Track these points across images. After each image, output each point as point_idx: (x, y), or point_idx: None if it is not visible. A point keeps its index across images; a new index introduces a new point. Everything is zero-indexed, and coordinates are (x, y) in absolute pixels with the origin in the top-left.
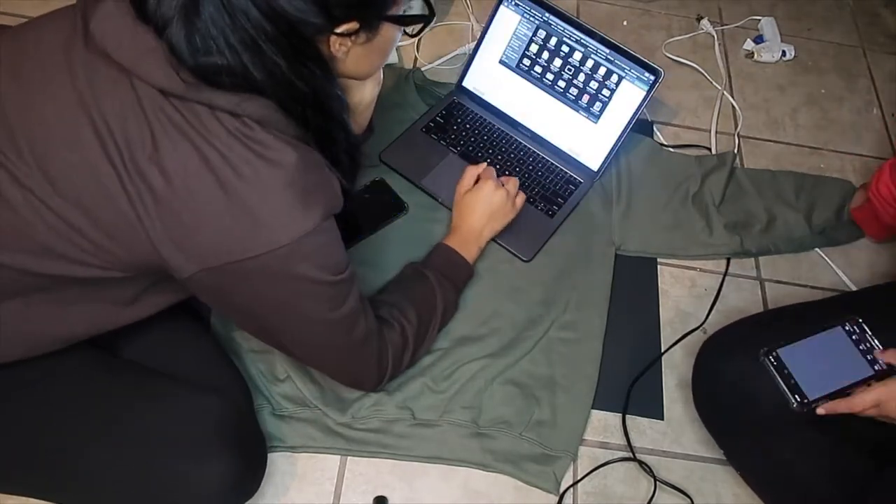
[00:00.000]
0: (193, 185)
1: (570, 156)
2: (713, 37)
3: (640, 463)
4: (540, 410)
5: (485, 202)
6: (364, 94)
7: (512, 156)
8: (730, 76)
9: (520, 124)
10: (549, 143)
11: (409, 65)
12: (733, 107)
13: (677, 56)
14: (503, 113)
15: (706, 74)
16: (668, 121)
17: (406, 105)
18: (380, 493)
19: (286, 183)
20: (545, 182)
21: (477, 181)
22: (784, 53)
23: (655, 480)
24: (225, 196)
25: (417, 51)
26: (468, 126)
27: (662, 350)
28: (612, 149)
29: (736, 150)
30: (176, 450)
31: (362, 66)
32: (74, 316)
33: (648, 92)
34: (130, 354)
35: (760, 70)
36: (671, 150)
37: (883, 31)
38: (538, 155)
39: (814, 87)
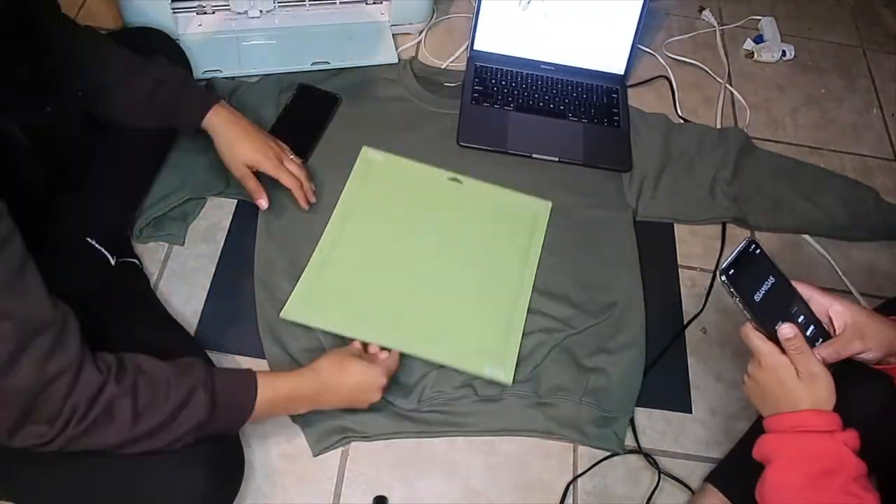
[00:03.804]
0: None
1: (596, 71)
2: (714, 27)
3: (646, 456)
4: (595, 377)
5: (362, 382)
6: None
7: (554, 91)
8: (730, 76)
9: (542, 62)
10: (574, 67)
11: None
12: (733, 105)
13: (678, 55)
14: (522, 59)
15: (709, 71)
16: None
17: (409, 96)
18: (380, 493)
19: None
20: (592, 101)
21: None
22: (784, 53)
23: (660, 473)
24: None
25: (417, 51)
26: (504, 83)
27: (663, 347)
28: (631, 49)
29: None
30: (146, 466)
31: None
32: None
33: None
34: None
35: (760, 70)
36: (679, 122)
37: (883, 31)
38: (573, 81)
39: (814, 87)
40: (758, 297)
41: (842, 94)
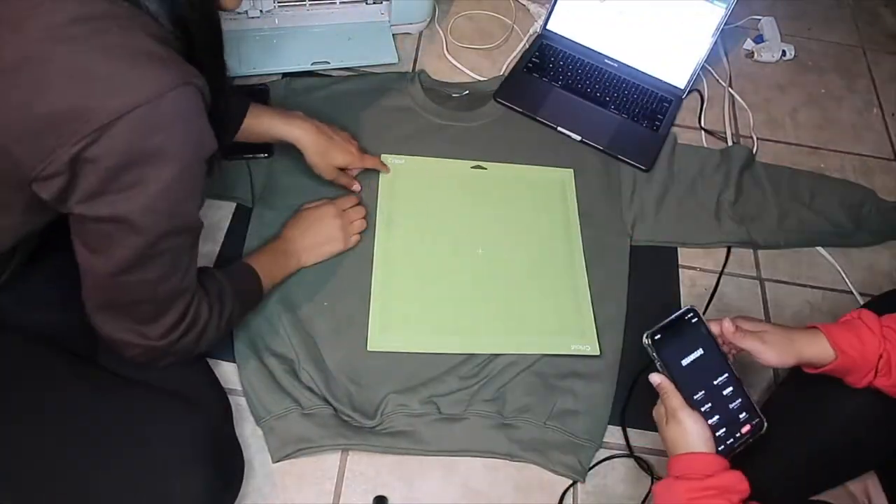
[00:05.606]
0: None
1: (657, 79)
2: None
3: (638, 459)
4: (563, 400)
5: (318, 223)
6: None
7: (607, 84)
8: (730, 76)
9: (606, 56)
10: (636, 69)
11: (415, 66)
12: (733, 105)
13: None
14: (589, 49)
15: (711, 70)
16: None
17: (416, 107)
18: (380, 493)
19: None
20: (642, 103)
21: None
22: (784, 53)
23: (652, 477)
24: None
25: (417, 52)
26: (562, 63)
27: None
28: (696, 67)
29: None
30: (146, 468)
31: None
32: None
33: (728, 9)
34: (108, 362)
35: (760, 70)
36: (683, 144)
37: (883, 31)
38: (629, 81)
39: (814, 87)
40: (684, 363)
41: (842, 94)
